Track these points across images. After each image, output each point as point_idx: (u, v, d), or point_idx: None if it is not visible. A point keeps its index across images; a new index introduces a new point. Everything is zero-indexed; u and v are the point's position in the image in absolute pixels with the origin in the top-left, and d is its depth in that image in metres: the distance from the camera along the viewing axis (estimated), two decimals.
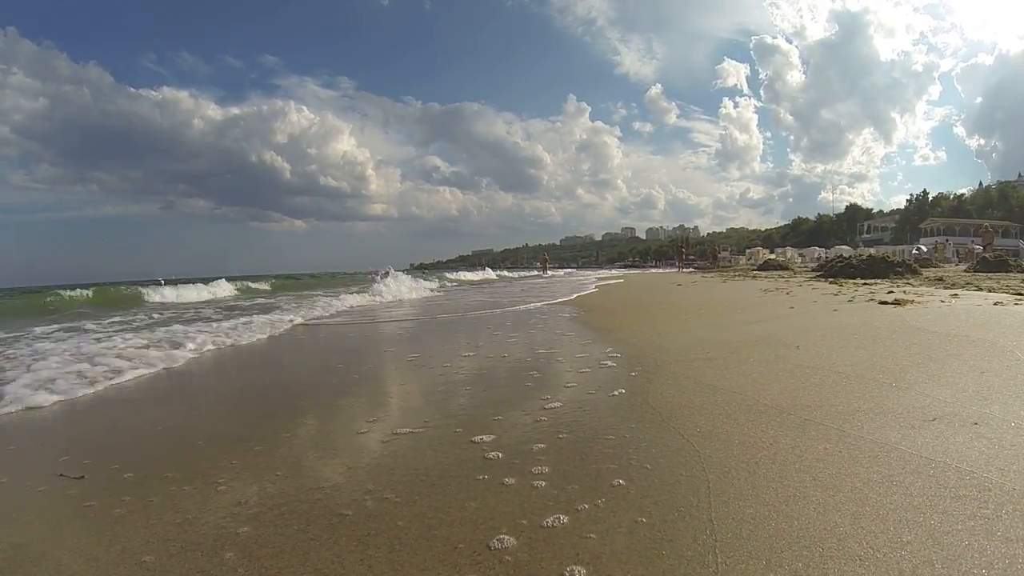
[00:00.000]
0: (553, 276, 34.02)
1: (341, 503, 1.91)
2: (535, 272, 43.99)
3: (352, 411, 3.17)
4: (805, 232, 72.60)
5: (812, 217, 78.48)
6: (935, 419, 2.26)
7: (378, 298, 13.28)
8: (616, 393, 3.12)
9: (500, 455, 2.26)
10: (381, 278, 16.23)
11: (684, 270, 35.97)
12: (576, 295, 12.60)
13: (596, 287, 16.40)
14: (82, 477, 2.30)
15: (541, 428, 2.59)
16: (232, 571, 1.52)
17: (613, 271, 53.06)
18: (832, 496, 1.68)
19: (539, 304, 10.27)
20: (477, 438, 2.49)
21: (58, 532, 1.82)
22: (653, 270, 47.72)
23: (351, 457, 2.38)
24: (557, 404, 2.98)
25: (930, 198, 60.72)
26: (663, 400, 2.89)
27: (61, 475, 2.34)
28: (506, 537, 1.60)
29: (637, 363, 3.93)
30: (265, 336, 6.82)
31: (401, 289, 15.03)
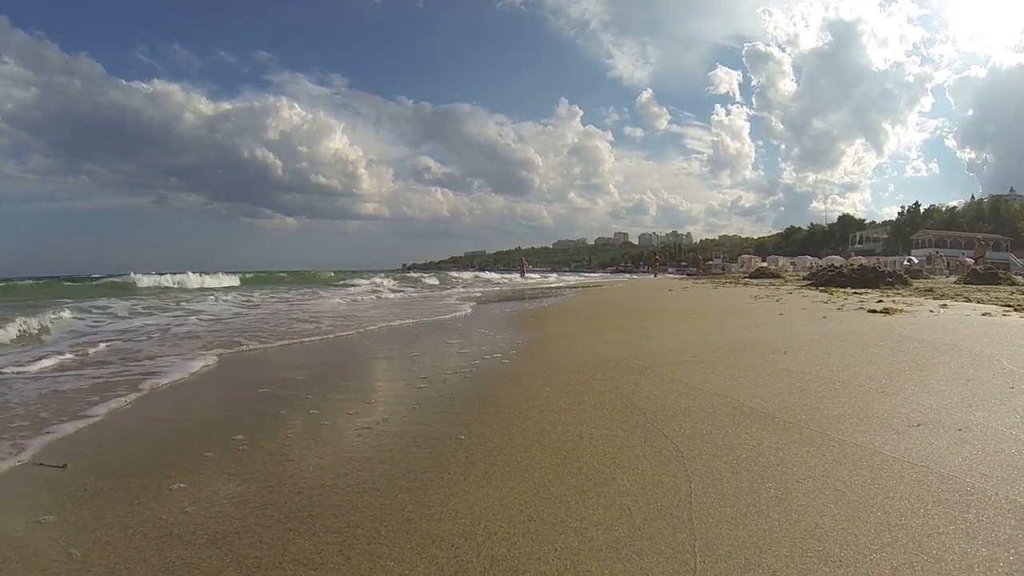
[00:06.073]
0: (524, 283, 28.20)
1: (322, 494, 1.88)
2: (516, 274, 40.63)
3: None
4: (798, 241, 73.00)
5: (804, 226, 79.02)
6: (920, 425, 2.26)
7: None
8: (607, 396, 3.10)
9: (481, 451, 2.24)
10: None
11: (660, 276, 37.32)
12: None
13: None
14: (64, 466, 2.27)
15: (526, 426, 2.57)
16: (211, 562, 1.49)
17: (602, 276, 52.86)
18: (814, 499, 1.67)
19: None
20: (461, 435, 2.47)
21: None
22: (646, 276, 47.87)
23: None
24: (540, 406, 2.96)
25: (922, 210, 61.29)
26: (648, 402, 2.88)
27: (41, 464, 2.30)
28: (484, 531, 1.58)
29: (633, 369, 3.92)
30: None
31: None
